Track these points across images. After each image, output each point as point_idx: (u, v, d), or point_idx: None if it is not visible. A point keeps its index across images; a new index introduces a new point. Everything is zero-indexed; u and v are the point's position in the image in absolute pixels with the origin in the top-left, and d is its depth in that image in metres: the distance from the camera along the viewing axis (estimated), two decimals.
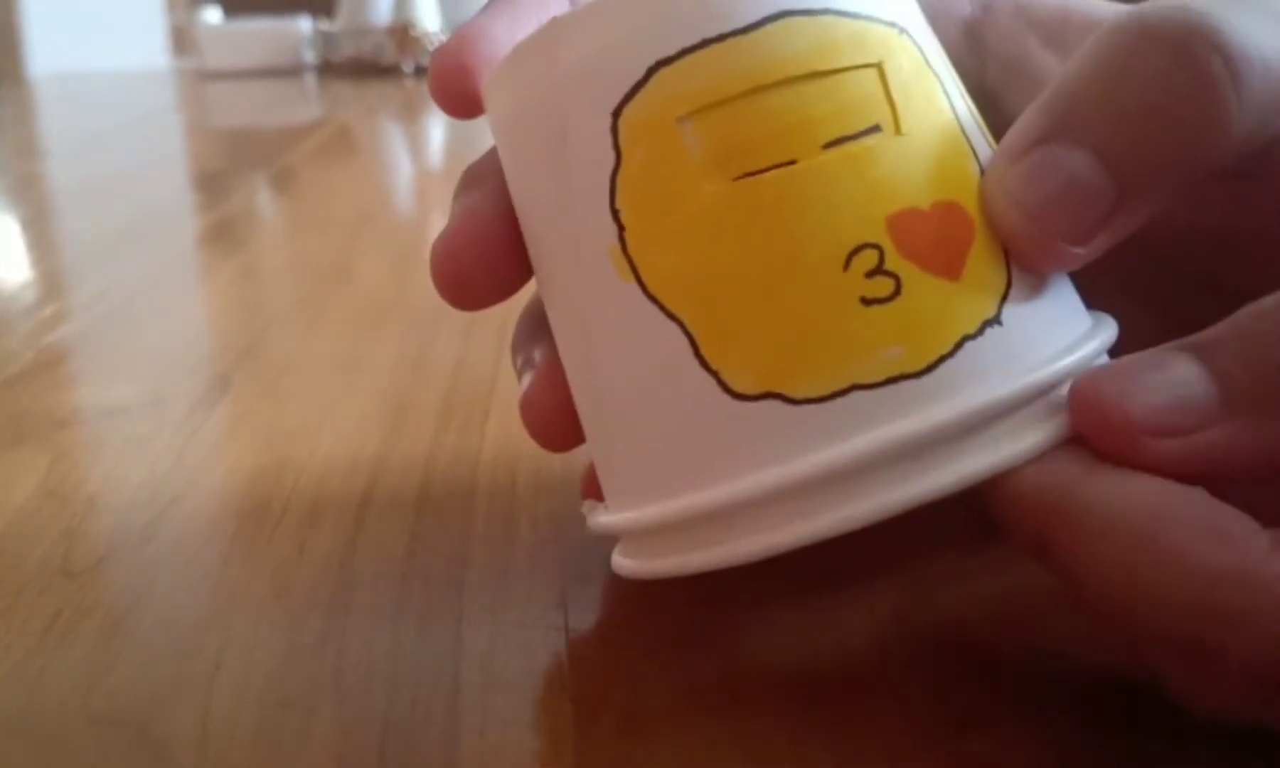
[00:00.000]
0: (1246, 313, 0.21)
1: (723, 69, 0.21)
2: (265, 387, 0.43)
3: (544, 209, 0.23)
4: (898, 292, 0.21)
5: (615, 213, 0.22)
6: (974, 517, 0.30)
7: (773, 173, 0.21)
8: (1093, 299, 0.24)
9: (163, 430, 0.38)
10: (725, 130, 0.21)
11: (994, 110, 0.25)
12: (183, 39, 2.40)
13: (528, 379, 0.26)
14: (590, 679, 0.24)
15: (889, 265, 0.21)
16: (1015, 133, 0.22)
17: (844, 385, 0.21)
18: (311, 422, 0.39)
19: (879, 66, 0.22)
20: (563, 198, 0.23)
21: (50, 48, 2.20)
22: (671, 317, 0.22)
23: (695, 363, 0.21)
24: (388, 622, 0.26)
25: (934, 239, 0.21)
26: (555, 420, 0.26)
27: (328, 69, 1.87)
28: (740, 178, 0.21)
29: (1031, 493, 0.21)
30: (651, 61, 0.21)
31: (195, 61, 1.92)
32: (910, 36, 0.23)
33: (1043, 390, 0.21)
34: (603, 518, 0.24)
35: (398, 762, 0.22)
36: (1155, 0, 0.22)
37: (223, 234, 0.71)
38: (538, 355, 0.27)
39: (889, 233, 0.21)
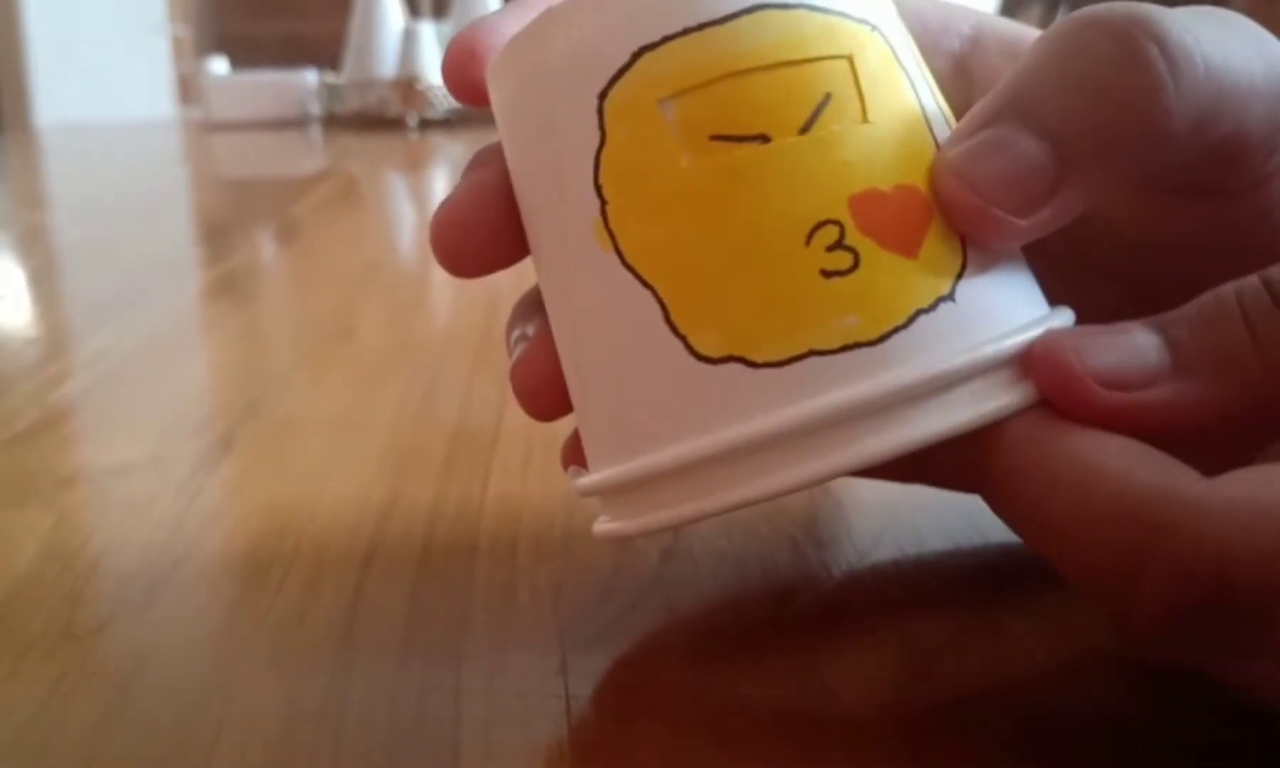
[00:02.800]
0: (1208, 293, 0.23)
1: (701, 55, 0.23)
2: (267, 447, 0.43)
3: (536, 185, 0.25)
4: (856, 265, 0.22)
5: (599, 188, 0.24)
6: (974, 579, 0.30)
7: (744, 150, 0.23)
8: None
9: (165, 492, 0.38)
10: (702, 111, 0.23)
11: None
12: (189, 90, 2.42)
13: (519, 350, 0.28)
14: (589, 748, 0.24)
15: (849, 241, 0.22)
16: (966, 118, 0.24)
17: (801, 351, 0.22)
18: (313, 483, 0.39)
19: (849, 58, 0.24)
20: (552, 175, 0.24)
21: (57, 97, 2.22)
22: (646, 284, 0.23)
23: (665, 328, 0.23)
24: (387, 689, 0.27)
25: (893, 218, 0.23)
26: (542, 388, 0.27)
27: (333, 121, 1.88)
28: (714, 155, 0.23)
29: (983, 437, 0.22)
30: (636, 47, 0.23)
31: (201, 112, 1.94)
32: (881, 33, 0.25)
33: (992, 365, 0.22)
34: (583, 480, 0.26)
35: None
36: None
37: (227, 289, 0.72)
38: (530, 329, 0.28)
39: (850, 211, 0.23)
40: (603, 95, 0.24)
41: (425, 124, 1.76)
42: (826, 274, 0.22)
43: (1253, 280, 0.22)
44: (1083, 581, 0.22)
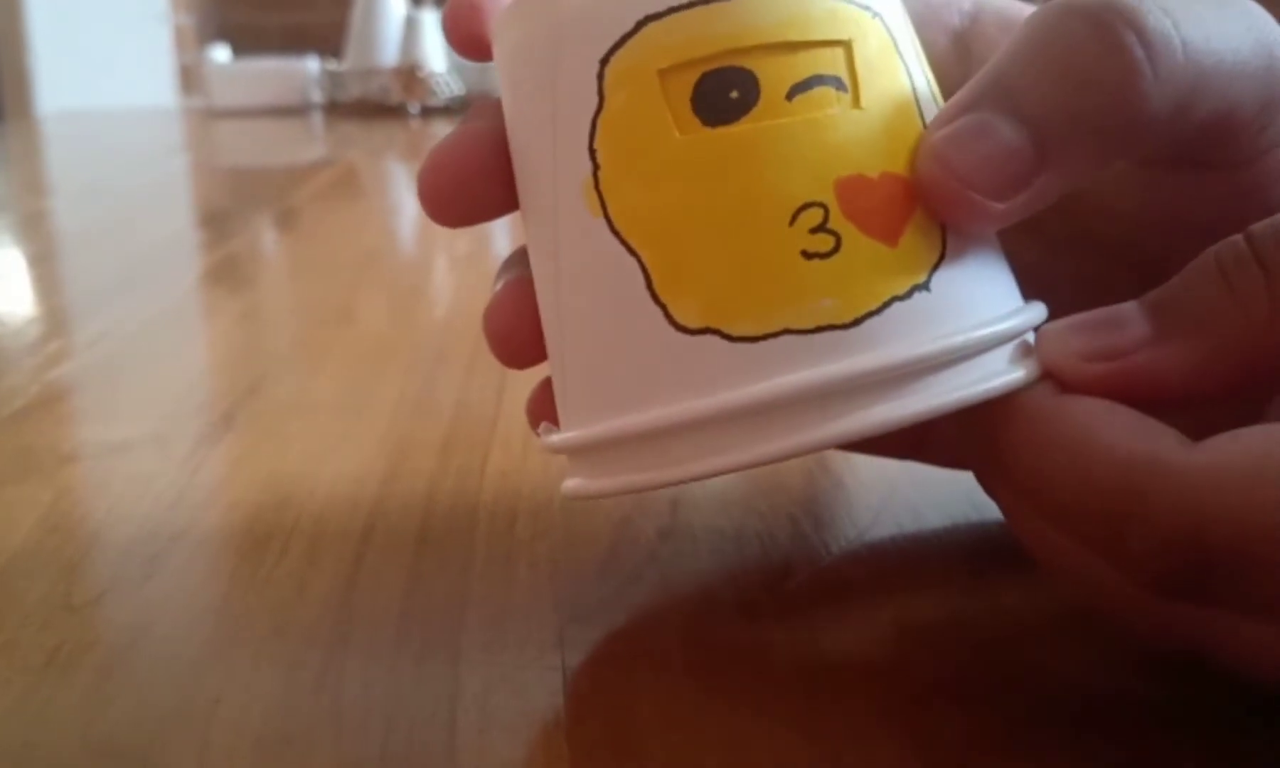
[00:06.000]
0: (1193, 262, 0.24)
1: (704, 30, 0.23)
2: (267, 426, 0.43)
3: (531, 142, 0.25)
4: (836, 249, 0.23)
5: (593, 152, 0.24)
6: (972, 557, 0.30)
7: (737, 128, 0.23)
8: (1053, 296, 0.26)
9: (165, 468, 0.38)
10: (702, 87, 0.23)
11: None
12: (191, 78, 2.42)
13: (494, 294, 0.28)
14: (586, 720, 0.24)
15: (832, 224, 0.23)
16: (949, 103, 0.24)
17: (777, 329, 0.23)
18: (312, 461, 0.39)
19: (847, 44, 0.24)
20: (548, 133, 0.25)
21: (58, 85, 2.22)
22: (631, 251, 0.24)
23: (647, 295, 0.23)
24: (385, 661, 0.27)
25: (877, 206, 0.23)
26: (512, 334, 0.27)
27: (334, 109, 1.88)
28: (708, 131, 0.23)
29: (988, 411, 0.23)
30: (641, 16, 0.24)
31: (203, 100, 1.93)
32: (883, 20, 0.25)
33: (961, 354, 0.23)
34: (554, 437, 0.26)
35: None
36: None
37: (227, 273, 0.72)
38: (510, 276, 0.28)
39: (836, 195, 0.23)
40: (605, 60, 0.24)
41: (427, 112, 1.76)
42: (807, 255, 0.23)
43: (1235, 237, 0.23)
44: (1080, 544, 0.22)
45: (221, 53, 2.13)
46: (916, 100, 0.25)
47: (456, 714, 0.25)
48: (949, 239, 0.24)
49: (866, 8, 0.25)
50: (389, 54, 1.86)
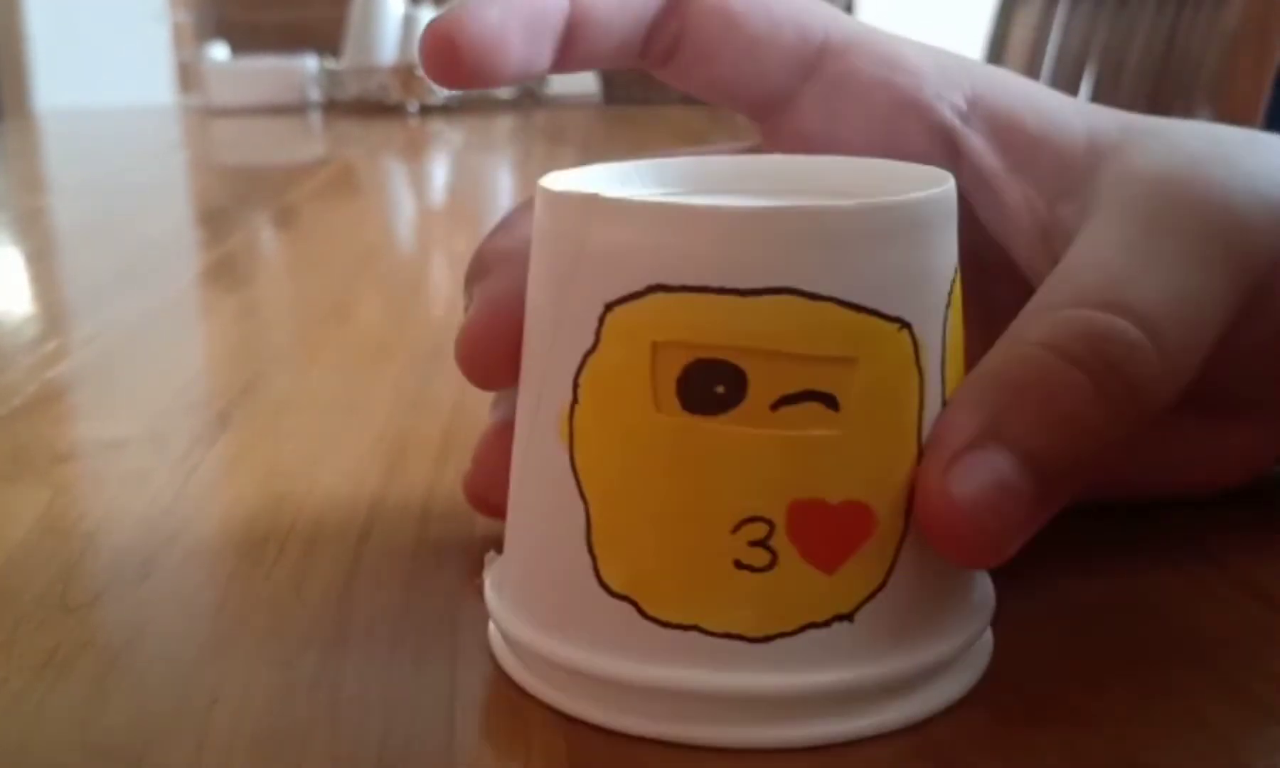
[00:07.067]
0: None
1: (708, 316, 0.22)
2: (264, 424, 0.43)
3: (536, 333, 0.25)
4: (770, 566, 0.23)
5: (576, 385, 0.24)
6: None
7: (712, 424, 0.23)
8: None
9: (162, 466, 0.38)
10: (690, 372, 0.23)
11: (964, 204, 0.26)
12: (189, 76, 2.41)
13: (469, 315, 0.28)
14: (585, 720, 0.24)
15: (773, 542, 0.23)
16: (948, 431, 0.24)
17: (688, 623, 0.23)
18: (309, 460, 0.39)
19: (853, 362, 0.23)
20: (549, 343, 0.24)
21: (57, 82, 2.22)
22: (582, 496, 0.24)
23: (584, 543, 0.24)
24: (383, 660, 0.27)
25: (825, 532, 0.23)
26: (485, 354, 0.27)
27: (332, 107, 1.88)
28: (684, 416, 0.23)
29: None
30: (653, 281, 0.23)
31: (201, 98, 1.93)
32: (911, 331, 0.23)
33: (857, 694, 0.23)
34: (492, 600, 0.27)
35: None
36: (1072, 283, 0.26)
37: (225, 271, 0.72)
38: (478, 292, 0.28)
39: (787, 514, 0.23)
40: (609, 306, 0.23)
41: (425, 111, 1.76)
42: (739, 565, 0.23)
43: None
44: None
45: (220, 51, 2.13)
46: (920, 418, 0.24)
47: (454, 714, 0.25)
48: (898, 573, 0.23)
49: (897, 318, 0.23)
50: (387, 52, 1.86)
